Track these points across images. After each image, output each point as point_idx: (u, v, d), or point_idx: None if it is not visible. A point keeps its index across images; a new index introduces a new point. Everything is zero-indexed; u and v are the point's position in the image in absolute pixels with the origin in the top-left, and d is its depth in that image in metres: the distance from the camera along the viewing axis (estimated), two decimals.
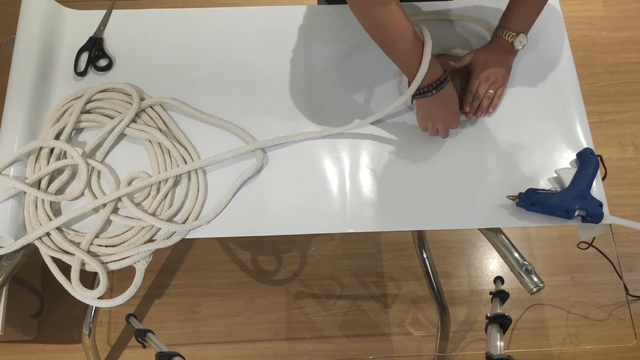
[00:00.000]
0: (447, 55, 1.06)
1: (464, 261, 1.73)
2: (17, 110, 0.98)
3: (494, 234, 0.96)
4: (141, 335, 1.11)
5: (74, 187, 0.96)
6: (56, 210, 0.95)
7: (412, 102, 1.00)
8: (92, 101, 1.02)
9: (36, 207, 0.93)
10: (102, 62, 1.06)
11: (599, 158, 0.97)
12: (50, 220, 0.92)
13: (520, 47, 0.99)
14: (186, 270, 1.69)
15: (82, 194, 0.95)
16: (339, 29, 1.10)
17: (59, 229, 0.92)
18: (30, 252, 0.95)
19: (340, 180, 0.98)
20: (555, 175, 0.98)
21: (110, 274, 0.92)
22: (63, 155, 0.97)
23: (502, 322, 1.00)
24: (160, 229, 0.94)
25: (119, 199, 0.94)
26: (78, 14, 1.11)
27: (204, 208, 0.96)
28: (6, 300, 0.99)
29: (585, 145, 1.01)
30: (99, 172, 0.98)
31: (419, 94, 0.93)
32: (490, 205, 0.96)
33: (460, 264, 1.72)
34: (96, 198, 0.95)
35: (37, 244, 0.92)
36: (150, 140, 0.99)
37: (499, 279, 1.23)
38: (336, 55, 1.07)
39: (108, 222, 0.94)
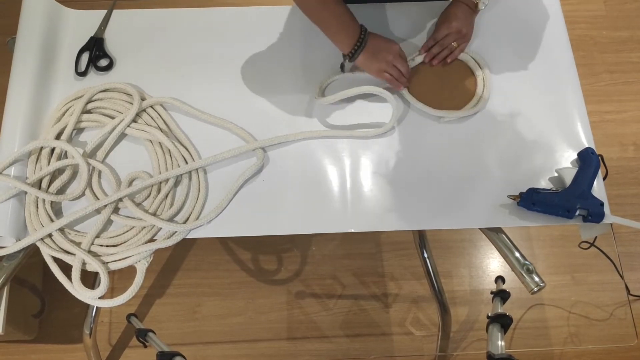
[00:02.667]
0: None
1: (464, 261, 1.73)
2: (17, 110, 0.98)
3: (495, 234, 0.96)
4: (142, 335, 1.11)
5: (75, 186, 0.96)
6: (57, 210, 0.95)
7: (342, 70, 1.04)
8: (93, 101, 1.02)
9: (37, 207, 0.93)
10: (103, 62, 1.06)
11: (599, 157, 0.96)
12: (52, 220, 0.92)
13: (483, 7, 1.02)
14: (187, 270, 1.69)
15: (83, 194, 0.95)
16: None
17: (60, 229, 0.92)
18: (31, 252, 0.95)
19: (340, 179, 0.98)
20: (556, 174, 0.98)
21: (111, 273, 0.92)
22: (64, 155, 0.97)
23: (503, 322, 1.00)
24: (161, 228, 0.94)
25: (120, 199, 0.94)
26: (79, 14, 1.11)
27: (204, 208, 0.96)
28: (7, 300, 1.00)
29: (586, 145, 1.01)
30: (99, 172, 0.98)
31: (353, 53, 0.98)
32: (491, 204, 0.96)
33: (461, 263, 1.72)
34: (97, 198, 0.95)
35: (38, 244, 0.92)
36: (151, 140, 0.99)
37: (500, 279, 1.23)
38: (336, 55, 1.07)
39: (109, 222, 0.94)
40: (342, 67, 1.04)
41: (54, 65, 1.05)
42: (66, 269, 0.91)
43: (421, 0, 1.13)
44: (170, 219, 0.94)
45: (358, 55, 0.98)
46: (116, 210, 0.95)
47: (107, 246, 0.93)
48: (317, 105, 1.04)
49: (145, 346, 1.12)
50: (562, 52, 1.09)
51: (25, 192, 0.94)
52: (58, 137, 0.98)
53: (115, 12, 1.11)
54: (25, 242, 0.91)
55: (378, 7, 1.12)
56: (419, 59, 1.06)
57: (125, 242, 0.93)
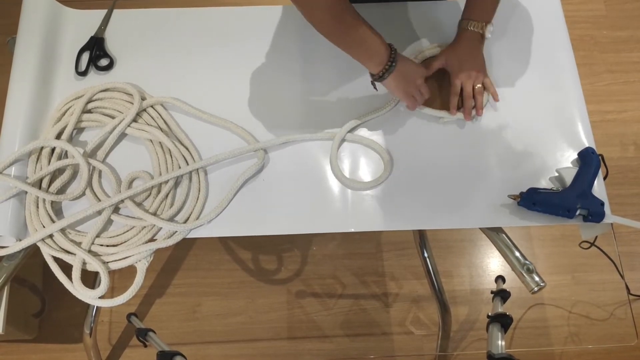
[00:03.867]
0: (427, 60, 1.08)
1: (465, 260, 1.73)
2: (18, 109, 0.98)
3: (495, 233, 0.96)
4: (142, 335, 1.11)
5: (75, 186, 0.96)
6: (57, 210, 0.95)
7: (375, 87, 1.01)
8: (93, 101, 1.02)
9: (37, 207, 0.93)
10: (103, 62, 1.06)
11: (600, 157, 0.96)
12: (52, 220, 0.92)
13: (489, 36, 1.00)
14: (187, 269, 1.69)
15: (83, 194, 0.95)
16: None
17: (60, 228, 0.92)
18: (32, 252, 0.95)
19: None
20: (556, 174, 0.98)
21: (111, 273, 0.92)
22: (64, 154, 0.97)
23: (503, 321, 1.00)
24: (161, 228, 0.94)
25: (121, 200, 0.94)
26: (79, 13, 1.11)
27: (205, 207, 0.96)
28: (7, 299, 1.00)
29: (587, 145, 1.01)
30: (100, 172, 0.98)
31: (382, 74, 0.93)
32: (491, 204, 0.96)
33: (461, 263, 1.72)
34: (97, 198, 0.95)
35: (39, 243, 0.92)
36: (151, 140, 0.99)
37: (500, 278, 1.23)
38: (336, 55, 1.07)
39: (109, 221, 0.94)
40: (373, 85, 1.00)
41: (54, 64, 1.05)
42: (66, 268, 0.91)
43: (426, 0, 1.13)
44: (171, 219, 0.94)
45: (387, 77, 0.93)
46: (116, 210, 0.95)
47: (107, 246, 0.93)
48: (317, 105, 1.04)
49: (146, 346, 1.12)
50: (563, 52, 1.09)
51: (26, 192, 0.94)
52: (58, 136, 0.98)
53: (115, 11, 1.11)
54: (25, 242, 0.91)
55: (382, 6, 1.12)
56: (419, 60, 1.06)
57: (125, 241, 0.93)
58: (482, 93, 1.00)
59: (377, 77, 0.94)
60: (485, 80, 1.01)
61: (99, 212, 0.94)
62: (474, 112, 1.01)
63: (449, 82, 1.03)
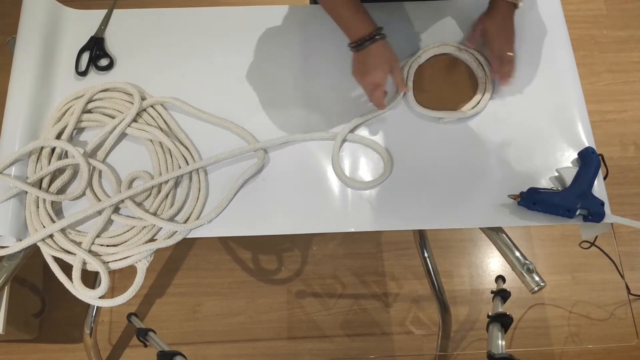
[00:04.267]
0: (440, 56, 1.08)
1: (465, 260, 1.73)
2: (18, 109, 0.98)
3: (495, 233, 0.96)
4: (142, 335, 1.11)
5: (75, 186, 0.96)
6: (57, 210, 0.95)
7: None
8: (93, 101, 1.02)
9: (37, 207, 0.93)
10: (103, 62, 1.06)
11: (600, 157, 0.96)
12: (53, 220, 0.92)
13: (522, 5, 1.01)
14: (187, 269, 1.69)
15: (84, 194, 0.95)
16: (336, 28, 1.10)
17: (60, 228, 0.92)
18: (32, 252, 0.95)
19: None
20: (556, 174, 0.98)
21: (112, 273, 0.92)
22: (64, 154, 0.97)
23: (503, 321, 1.00)
24: (161, 228, 0.94)
25: (121, 200, 0.94)
26: (79, 13, 1.11)
27: (205, 207, 0.96)
28: (8, 299, 1.00)
29: (587, 144, 1.01)
30: (100, 172, 0.98)
31: (352, 47, 0.96)
32: (491, 204, 0.96)
33: (461, 263, 1.72)
34: (97, 198, 0.95)
35: (39, 243, 0.92)
36: (151, 140, 0.99)
37: (500, 278, 1.23)
38: (336, 54, 1.07)
39: (109, 221, 0.94)
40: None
41: (54, 64, 1.05)
42: (66, 268, 0.91)
43: (427, 0, 1.13)
44: (171, 219, 0.94)
45: (353, 53, 0.96)
46: (116, 210, 0.95)
47: (107, 246, 0.93)
48: (317, 104, 1.04)
49: (146, 345, 1.12)
50: (563, 51, 1.09)
51: (26, 192, 0.94)
52: (58, 136, 0.98)
53: (115, 11, 1.11)
54: (26, 242, 0.91)
55: (383, 6, 1.12)
56: (420, 60, 1.06)
57: (125, 241, 0.93)
58: (513, 61, 1.03)
59: (354, 45, 0.96)
60: (514, 47, 1.03)
61: (99, 212, 0.94)
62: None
63: (449, 79, 1.03)
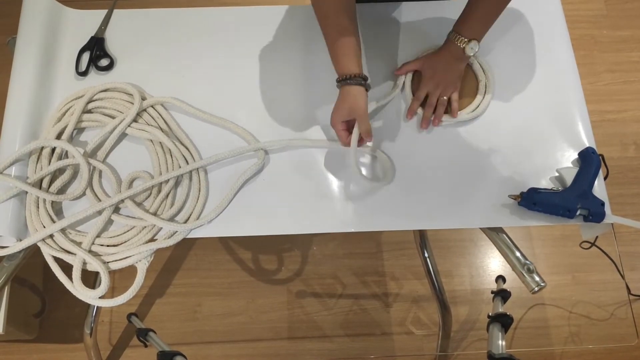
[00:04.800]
0: None
1: (465, 260, 1.73)
2: (18, 110, 0.98)
3: (495, 233, 0.96)
4: (143, 335, 1.11)
5: (76, 186, 0.96)
6: (57, 210, 0.95)
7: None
8: (94, 101, 1.02)
9: (38, 207, 0.93)
10: (104, 62, 1.06)
11: (600, 157, 0.96)
12: (53, 220, 0.92)
13: (472, 54, 0.97)
14: (187, 269, 1.69)
15: (84, 194, 0.95)
16: None
17: (60, 228, 0.92)
18: (32, 252, 0.95)
19: (341, 179, 0.98)
20: (556, 174, 0.98)
21: (112, 273, 0.92)
22: (64, 154, 0.97)
23: (503, 321, 1.00)
24: (161, 228, 0.94)
25: (121, 200, 0.94)
26: (79, 13, 1.11)
27: (205, 207, 0.96)
28: (8, 299, 1.00)
29: (587, 145, 1.01)
30: (100, 172, 0.98)
31: (338, 81, 0.94)
32: (491, 204, 0.96)
33: (461, 263, 1.72)
34: (98, 198, 0.95)
35: (39, 243, 0.92)
36: (151, 140, 0.99)
37: (500, 278, 1.23)
38: None
39: (109, 221, 0.94)
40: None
41: (55, 65, 1.05)
42: (67, 268, 0.91)
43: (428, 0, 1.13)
44: (171, 219, 0.94)
45: (348, 86, 0.92)
46: (117, 210, 0.95)
47: (107, 246, 0.93)
48: (317, 104, 1.04)
49: (146, 346, 1.12)
50: (563, 51, 1.09)
51: (26, 192, 0.94)
52: (59, 137, 0.98)
53: (115, 12, 1.11)
54: (26, 242, 0.91)
55: (384, 6, 1.12)
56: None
57: (125, 241, 0.93)
58: (444, 105, 1.01)
59: (340, 80, 0.93)
60: (452, 94, 1.01)
61: (99, 212, 0.94)
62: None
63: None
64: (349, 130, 0.95)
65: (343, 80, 0.92)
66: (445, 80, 1.00)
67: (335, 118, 0.95)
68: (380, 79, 1.05)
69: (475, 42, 0.96)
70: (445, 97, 1.00)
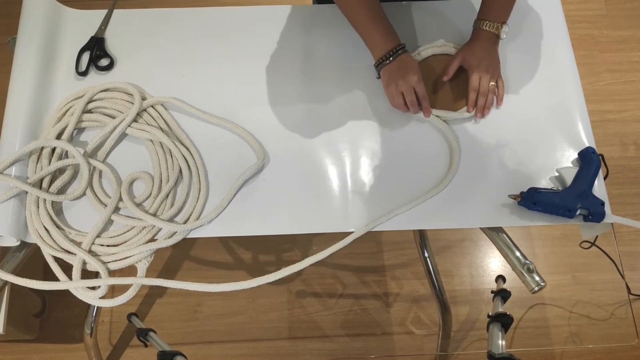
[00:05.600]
0: (440, 55, 1.07)
1: (465, 260, 1.73)
2: (18, 109, 0.98)
3: (495, 233, 0.96)
4: (143, 335, 1.11)
5: (76, 186, 0.96)
6: (58, 210, 0.95)
7: (378, 75, 1.03)
8: (94, 101, 1.02)
9: (38, 207, 0.93)
10: (104, 62, 1.06)
11: (600, 157, 0.96)
12: (53, 220, 0.92)
13: (504, 37, 1.01)
14: (188, 269, 1.69)
15: (84, 194, 0.95)
16: (337, 28, 1.10)
17: (60, 228, 0.92)
18: (32, 252, 0.95)
19: (341, 179, 0.98)
20: (556, 174, 0.98)
21: (112, 273, 0.92)
22: (64, 154, 0.97)
23: (503, 321, 1.00)
24: (161, 228, 0.94)
25: (120, 199, 0.95)
26: (79, 13, 1.11)
27: (205, 208, 0.96)
28: (8, 300, 0.99)
29: (587, 144, 1.01)
30: (100, 172, 0.98)
31: (380, 62, 0.98)
32: (491, 204, 0.96)
33: (461, 262, 1.72)
34: (98, 198, 0.95)
35: (39, 243, 0.92)
36: (151, 140, 0.99)
37: (500, 278, 1.23)
38: (338, 55, 1.07)
39: (109, 221, 0.94)
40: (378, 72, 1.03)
41: (55, 65, 1.05)
42: (67, 268, 0.91)
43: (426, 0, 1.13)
44: (171, 219, 0.94)
45: (380, 69, 0.99)
46: (116, 210, 0.95)
47: (107, 246, 0.93)
48: (317, 104, 1.04)
49: (146, 346, 1.12)
50: (563, 51, 1.09)
51: (26, 192, 0.94)
52: (59, 136, 0.98)
53: (115, 11, 1.11)
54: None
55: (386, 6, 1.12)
56: (419, 59, 1.06)
57: (125, 242, 0.93)
58: (494, 92, 1.02)
59: (375, 65, 1.00)
60: (498, 80, 1.03)
61: (99, 212, 0.94)
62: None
63: (449, 81, 1.03)
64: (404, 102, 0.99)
65: (394, 54, 0.97)
66: (492, 66, 1.02)
67: (391, 89, 0.99)
68: (378, 78, 1.05)
69: (505, 25, 1.00)
70: (493, 83, 1.01)
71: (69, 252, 0.92)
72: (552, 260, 1.72)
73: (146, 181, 0.96)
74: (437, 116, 1.01)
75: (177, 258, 1.71)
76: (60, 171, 0.97)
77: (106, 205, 0.94)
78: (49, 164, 0.96)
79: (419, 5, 1.13)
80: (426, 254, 1.46)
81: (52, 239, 0.92)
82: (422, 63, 1.07)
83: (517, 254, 0.93)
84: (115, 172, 0.98)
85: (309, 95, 1.05)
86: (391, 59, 0.97)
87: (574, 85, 1.06)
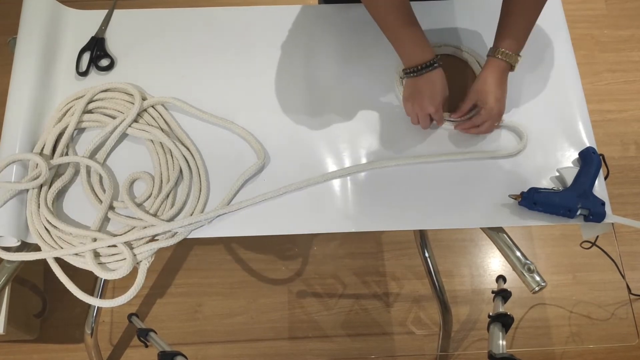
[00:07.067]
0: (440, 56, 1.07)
1: (466, 260, 1.73)
2: (19, 110, 0.98)
3: (496, 233, 0.96)
4: (143, 335, 1.11)
5: (76, 186, 0.96)
6: (58, 210, 0.95)
7: (402, 81, 1.01)
8: (94, 101, 1.02)
9: (38, 207, 0.93)
10: (104, 62, 1.06)
11: (601, 157, 0.96)
12: (53, 221, 0.92)
13: (517, 68, 0.97)
14: (188, 269, 1.70)
15: (84, 194, 0.95)
16: (339, 28, 1.10)
17: (60, 229, 0.92)
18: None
19: (341, 179, 0.98)
20: (557, 174, 0.98)
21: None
22: (65, 154, 0.97)
23: (504, 321, 1.00)
24: (162, 228, 0.93)
25: (121, 200, 0.95)
26: (80, 13, 1.11)
27: (205, 208, 0.96)
28: (9, 300, 1.00)
29: (588, 144, 1.01)
30: (100, 172, 0.98)
31: (407, 72, 0.94)
32: (492, 204, 0.96)
33: (462, 262, 1.72)
34: (98, 198, 0.95)
35: (40, 243, 0.92)
36: (152, 140, 0.99)
37: (501, 278, 1.23)
38: (340, 55, 1.07)
39: (110, 222, 0.94)
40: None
41: (55, 65, 1.05)
42: (67, 268, 0.91)
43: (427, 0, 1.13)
44: (171, 219, 0.94)
45: (406, 80, 0.95)
46: (117, 210, 0.95)
47: (108, 246, 0.93)
48: (317, 104, 1.04)
49: (147, 346, 1.12)
50: (564, 51, 1.09)
51: (26, 192, 0.94)
52: (59, 136, 0.98)
53: (116, 12, 1.11)
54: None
55: None
56: None
57: (126, 242, 0.93)
58: (491, 130, 1.00)
59: (409, 71, 0.94)
60: (496, 123, 0.99)
61: (99, 212, 0.94)
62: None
63: (449, 79, 1.03)
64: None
65: (423, 69, 0.92)
66: (499, 107, 0.96)
67: (417, 107, 0.96)
68: (381, 79, 1.05)
69: (519, 56, 0.96)
70: (486, 124, 0.97)
71: (69, 253, 0.91)
72: (553, 260, 1.72)
73: (147, 181, 0.96)
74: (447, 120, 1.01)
75: (178, 258, 1.71)
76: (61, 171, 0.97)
77: (106, 206, 0.94)
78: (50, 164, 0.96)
79: (418, 5, 1.12)
80: (426, 254, 1.46)
81: (53, 239, 0.92)
82: None
83: (518, 254, 0.93)
84: (115, 172, 0.98)
85: (309, 95, 1.05)
86: (418, 73, 0.92)
87: (575, 85, 1.06)
